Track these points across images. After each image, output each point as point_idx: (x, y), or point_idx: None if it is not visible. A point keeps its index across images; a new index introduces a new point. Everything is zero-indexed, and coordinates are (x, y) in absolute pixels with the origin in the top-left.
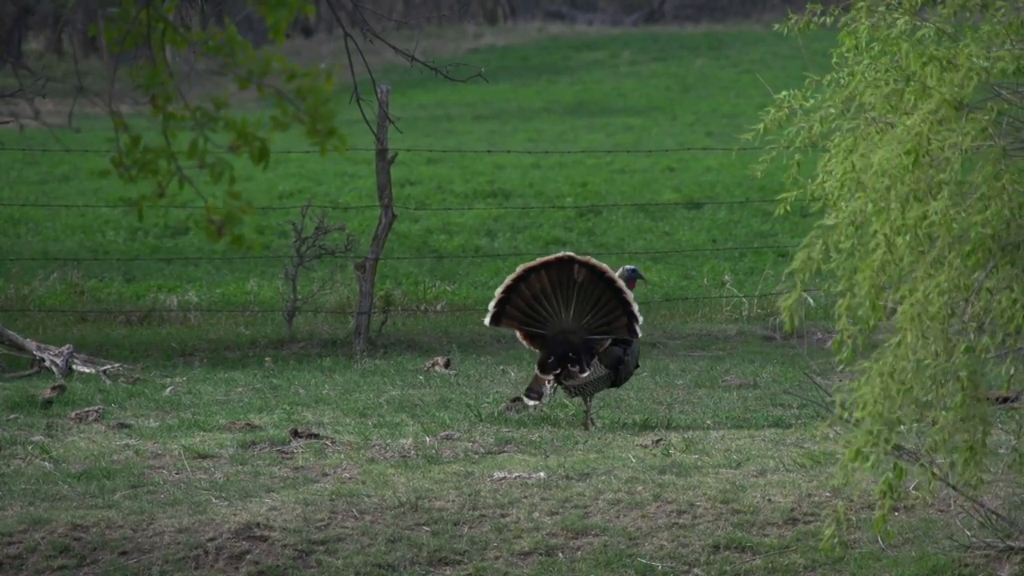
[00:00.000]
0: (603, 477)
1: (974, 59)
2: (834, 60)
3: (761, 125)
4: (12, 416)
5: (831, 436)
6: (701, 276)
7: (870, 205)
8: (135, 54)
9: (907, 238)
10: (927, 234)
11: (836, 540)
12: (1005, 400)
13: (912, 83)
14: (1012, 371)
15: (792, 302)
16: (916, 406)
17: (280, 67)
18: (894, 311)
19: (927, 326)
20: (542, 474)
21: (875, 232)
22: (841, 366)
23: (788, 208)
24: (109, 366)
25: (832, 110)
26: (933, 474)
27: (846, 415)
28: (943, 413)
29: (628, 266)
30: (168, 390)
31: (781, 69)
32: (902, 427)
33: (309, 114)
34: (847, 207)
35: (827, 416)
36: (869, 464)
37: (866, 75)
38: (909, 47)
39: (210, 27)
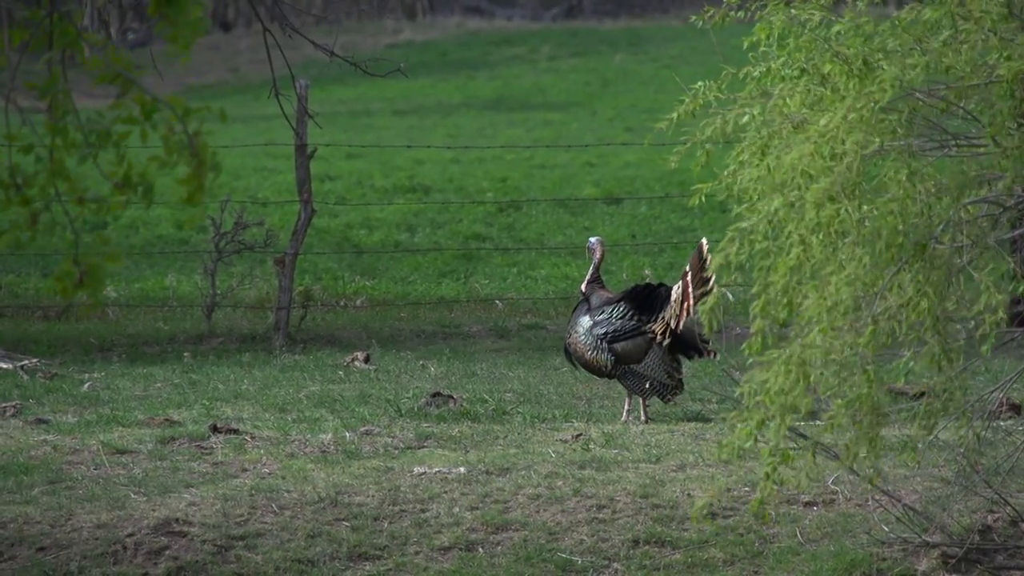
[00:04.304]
0: (523, 472)
1: (892, 70)
2: (746, 47)
3: (675, 115)
4: None
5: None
6: (621, 271)
7: (784, 207)
8: (41, 56)
9: (820, 237)
10: (839, 232)
11: (705, 512)
12: (922, 395)
13: (827, 87)
14: (912, 364)
15: (711, 305)
16: (815, 396)
17: (169, 110)
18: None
19: (835, 319)
20: (462, 469)
21: (790, 232)
22: (750, 359)
23: (703, 199)
24: (27, 361)
25: (747, 107)
26: (851, 468)
27: (752, 403)
28: (838, 401)
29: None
30: (86, 385)
31: (700, 64)
32: (796, 416)
33: (196, 158)
34: (763, 208)
35: (735, 406)
36: (765, 450)
37: (782, 72)
38: (824, 47)
39: (125, 31)
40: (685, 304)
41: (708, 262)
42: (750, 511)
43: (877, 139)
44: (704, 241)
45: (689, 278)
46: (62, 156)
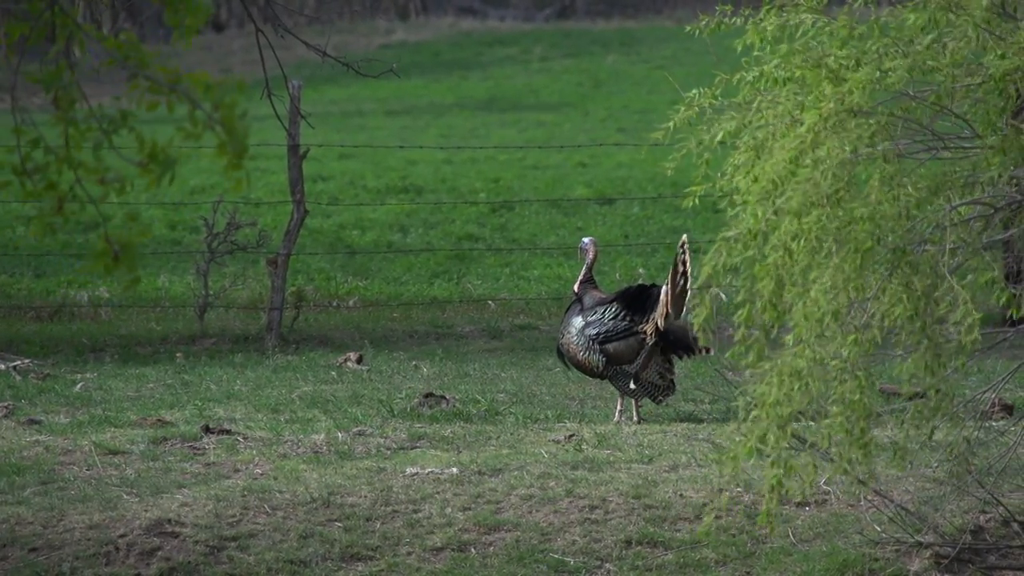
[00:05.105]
0: (515, 473)
1: (868, 72)
2: (739, 51)
3: (671, 124)
4: None
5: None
6: (614, 271)
7: (765, 214)
8: (41, 50)
9: (801, 243)
10: (821, 239)
11: (713, 527)
12: (914, 396)
13: (811, 95)
14: (908, 368)
15: (703, 319)
16: (812, 403)
17: (190, 82)
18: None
19: (826, 325)
20: (455, 470)
21: (773, 239)
22: (747, 370)
23: (697, 201)
24: (19, 362)
25: (735, 116)
26: (845, 471)
27: (750, 416)
28: (833, 408)
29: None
30: (79, 386)
31: (693, 65)
32: (796, 424)
33: (225, 127)
34: (747, 214)
35: (733, 417)
36: (770, 461)
37: (775, 74)
38: (811, 54)
39: (118, 31)
40: (667, 302)
41: (682, 259)
42: (759, 522)
43: (848, 146)
44: (684, 238)
45: (670, 276)
46: (78, 143)
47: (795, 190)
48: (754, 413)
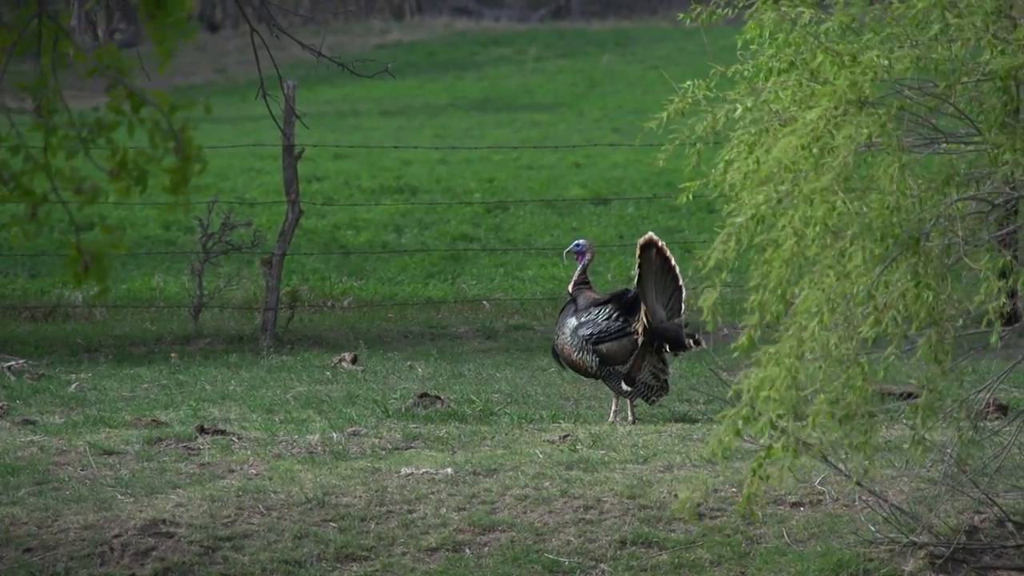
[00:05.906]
0: (510, 473)
1: (875, 57)
2: (739, 46)
3: (664, 114)
4: None
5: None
6: (608, 272)
7: (774, 200)
8: (33, 53)
9: (816, 230)
10: (834, 227)
11: (690, 506)
12: (909, 396)
13: (818, 80)
14: (911, 358)
15: (712, 302)
16: (802, 393)
17: (157, 101)
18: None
19: (835, 313)
20: (449, 470)
21: (784, 226)
22: (736, 353)
23: (691, 198)
24: (13, 362)
25: (737, 105)
26: (839, 470)
27: (758, 402)
28: (821, 396)
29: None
30: (73, 386)
31: (688, 65)
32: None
33: (184, 150)
34: (751, 202)
35: (727, 406)
36: (776, 450)
37: (771, 66)
38: (814, 42)
39: (112, 32)
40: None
41: (637, 254)
42: (738, 510)
43: (865, 130)
44: (651, 235)
45: (652, 273)
46: (55, 152)
47: (816, 173)
48: (764, 394)
